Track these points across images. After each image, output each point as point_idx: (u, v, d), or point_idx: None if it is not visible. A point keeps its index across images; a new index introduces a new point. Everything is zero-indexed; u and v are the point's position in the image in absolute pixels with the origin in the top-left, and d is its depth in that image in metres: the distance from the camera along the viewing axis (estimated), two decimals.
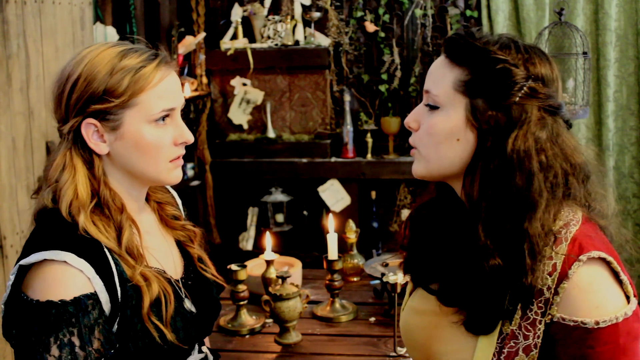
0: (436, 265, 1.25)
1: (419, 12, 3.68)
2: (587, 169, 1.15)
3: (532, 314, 1.10)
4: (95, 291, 1.16)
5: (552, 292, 1.08)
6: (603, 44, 3.47)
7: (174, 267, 1.37)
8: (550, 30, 2.89)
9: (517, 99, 1.10)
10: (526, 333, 1.10)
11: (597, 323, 1.05)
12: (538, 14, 3.51)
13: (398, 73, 3.72)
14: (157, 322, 1.21)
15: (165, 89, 1.25)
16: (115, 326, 1.19)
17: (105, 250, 1.20)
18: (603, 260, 1.08)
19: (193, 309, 1.34)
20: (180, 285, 1.35)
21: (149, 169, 1.26)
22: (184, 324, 1.28)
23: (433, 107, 1.17)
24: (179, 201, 1.54)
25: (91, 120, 1.22)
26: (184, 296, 1.34)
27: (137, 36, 1.44)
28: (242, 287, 2.09)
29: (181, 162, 1.31)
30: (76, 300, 1.13)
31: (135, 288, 1.21)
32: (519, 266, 1.08)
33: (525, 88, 1.10)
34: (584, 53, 2.85)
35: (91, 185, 1.24)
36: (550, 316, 1.08)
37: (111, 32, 2.95)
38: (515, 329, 1.10)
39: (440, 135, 1.15)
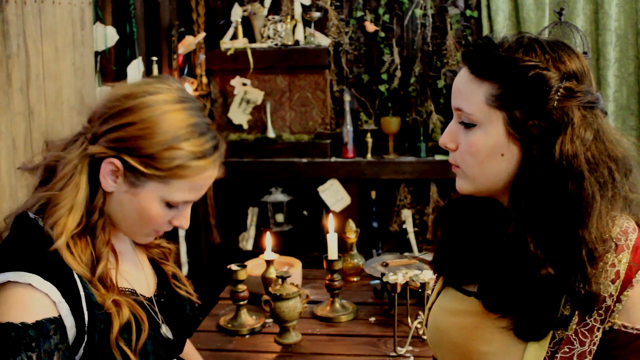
0: (473, 267, 1.22)
1: (419, 12, 3.68)
2: (629, 162, 1.12)
3: (591, 321, 1.07)
4: (59, 315, 1.12)
5: (615, 299, 1.06)
6: (603, 44, 3.47)
7: (147, 286, 1.34)
8: (550, 30, 2.89)
9: (556, 103, 1.06)
10: (582, 339, 1.07)
11: None
12: (538, 14, 3.51)
13: (398, 73, 3.72)
14: (126, 349, 1.17)
15: (201, 185, 1.21)
16: (81, 351, 1.15)
17: (75, 273, 1.16)
18: None
19: (170, 335, 1.31)
20: (154, 303, 1.32)
21: (133, 229, 1.24)
22: (154, 347, 1.24)
23: (469, 125, 1.13)
24: None
25: (118, 162, 1.17)
26: (160, 321, 1.30)
27: (197, 94, 1.35)
28: (242, 287, 2.09)
29: (161, 234, 1.30)
30: (38, 323, 1.09)
31: (105, 312, 1.17)
32: (577, 274, 1.05)
33: (561, 90, 1.07)
34: (584, 53, 2.86)
35: (86, 209, 1.19)
36: (610, 324, 1.06)
37: (111, 32, 2.95)
38: (571, 335, 1.08)
39: (483, 153, 1.12)
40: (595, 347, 1.07)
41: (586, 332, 1.07)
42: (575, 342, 1.08)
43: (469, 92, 1.12)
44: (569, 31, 2.93)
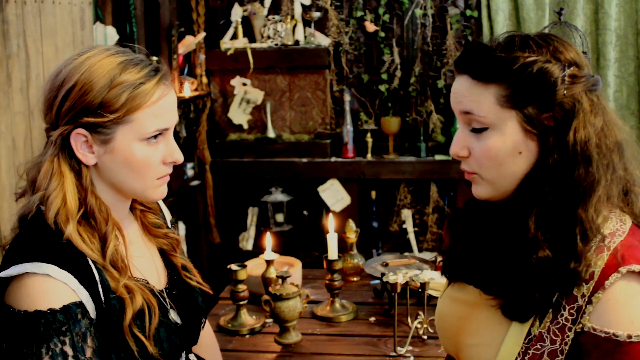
0: (476, 259, 1.22)
1: (419, 12, 3.68)
2: (623, 145, 1.13)
3: (562, 319, 1.08)
4: (81, 301, 1.14)
5: (586, 300, 1.06)
6: (603, 44, 3.47)
7: (158, 277, 1.35)
8: (549, 30, 2.89)
9: (565, 91, 1.08)
10: (554, 337, 1.08)
11: (630, 337, 1.02)
12: (538, 14, 3.52)
13: (398, 73, 3.72)
14: (139, 335, 1.18)
15: (162, 108, 1.22)
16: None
17: (89, 258, 1.18)
18: None
19: (178, 320, 1.32)
20: (165, 295, 1.33)
21: (135, 184, 1.24)
22: (168, 335, 1.26)
23: (480, 130, 1.13)
24: (165, 209, 1.52)
25: (81, 130, 1.19)
26: (168, 307, 1.32)
27: (138, 45, 1.39)
28: (242, 287, 2.09)
29: (167, 179, 1.29)
30: (65, 308, 1.11)
31: (118, 298, 1.19)
32: (568, 252, 1.06)
33: (566, 78, 1.08)
34: (584, 53, 2.85)
35: (78, 194, 1.21)
36: (581, 325, 1.06)
37: (111, 32, 2.95)
38: (544, 332, 1.09)
39: (502, 154, 1.11)
40: (566, 347, 1.07)
41: (557, 331, 1.08)
42: (546, 340, 1.09)
43: (476, 96, 1.12)
44: (568, 31, 2.93)
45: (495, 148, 1.11)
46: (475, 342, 1.18)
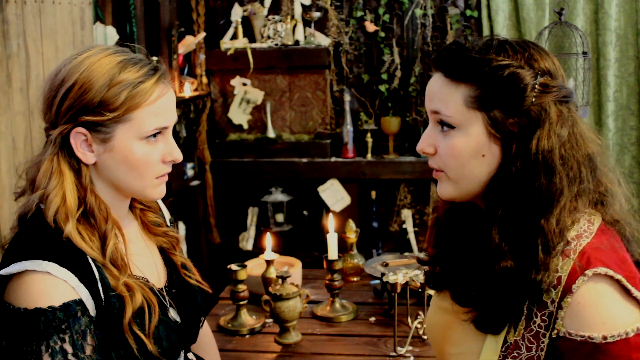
0: (452, 269, 1.24)
1: (419, 12, 3.68)
2: (595, 160, 1.13)
3: (535, 327, 1.08)
4: (81, 298, 1.14)
5: (556, 305, 1.06)
6: (603, 44, 3.47)
7: (157, 276, 1.35)
8: (550, 30, 2.89)
9: (533, 99, 1.08)
10: (529, 345, 1.08)
11: (605, 338, 1.02)
12: (538, 14, 3.51)
13: (398, 73, 3.72)
14: (139, 333, 1.19)
15: (161, 107, 1.23)
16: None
17: (88, 256, 1.18)
18: (611, 277, 1.05)
19: (177, 319, 1.32)
20: (165, 293, 1.33)
21: (134, 183, 1.25)
22: (167, 333, 1.26)
23: (447, 128, 1.13)
24: (164, 207, 1.52)
25: (81, 129, 1.19)
26: (168, 305, 1.32)
27: (138, 45, 1.40)
28: (242, 287, 2.09)
29: (166, 178, 1.29)
30: (65, 305, 1.11)
31: (118, 296, 1.19)
32: (531, 262, 1.06)
33: (537, 86, 1.08)
34: (584, 53, 2.86)
35: (78, 192, 1.21)
36: (556, 331, 1.06)
37: (111, 32, 2.95)
38: (519, 340, 1.09)
39: (465, 155, 1.12)
40: (543, 353, 1.08)
41: (532, 338, 1.08)
42: (522, 347, 1.09)
43: (445, 95, 1.13)
44: (569, 31, 2.93)
45: (459, 148, 1.12)
46: (457, 352, 1.19)
